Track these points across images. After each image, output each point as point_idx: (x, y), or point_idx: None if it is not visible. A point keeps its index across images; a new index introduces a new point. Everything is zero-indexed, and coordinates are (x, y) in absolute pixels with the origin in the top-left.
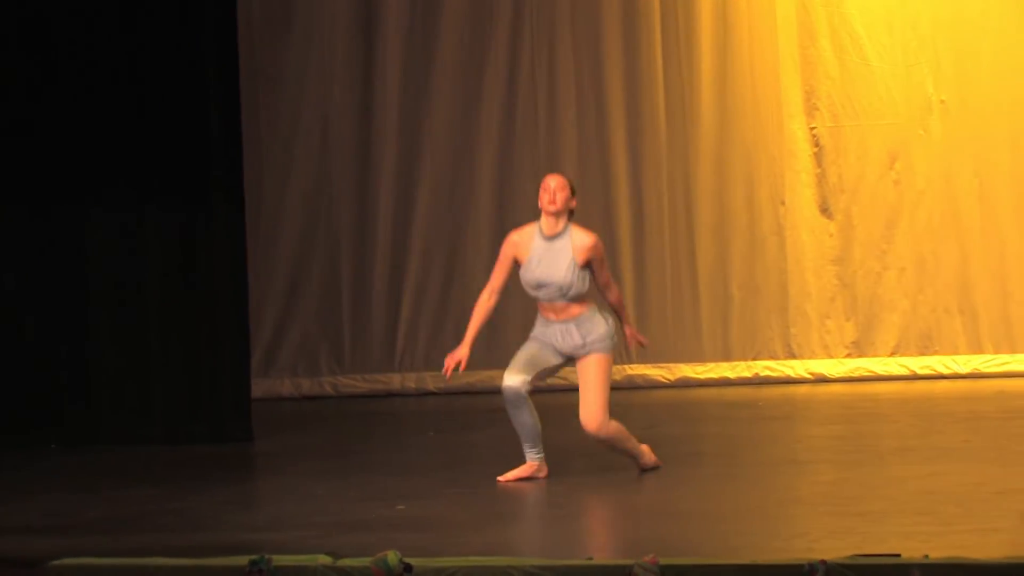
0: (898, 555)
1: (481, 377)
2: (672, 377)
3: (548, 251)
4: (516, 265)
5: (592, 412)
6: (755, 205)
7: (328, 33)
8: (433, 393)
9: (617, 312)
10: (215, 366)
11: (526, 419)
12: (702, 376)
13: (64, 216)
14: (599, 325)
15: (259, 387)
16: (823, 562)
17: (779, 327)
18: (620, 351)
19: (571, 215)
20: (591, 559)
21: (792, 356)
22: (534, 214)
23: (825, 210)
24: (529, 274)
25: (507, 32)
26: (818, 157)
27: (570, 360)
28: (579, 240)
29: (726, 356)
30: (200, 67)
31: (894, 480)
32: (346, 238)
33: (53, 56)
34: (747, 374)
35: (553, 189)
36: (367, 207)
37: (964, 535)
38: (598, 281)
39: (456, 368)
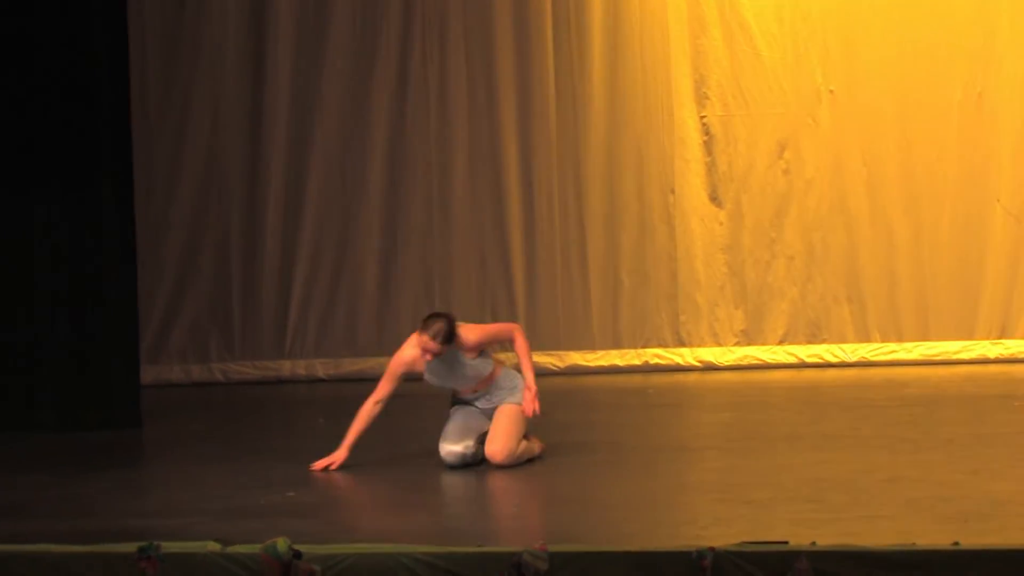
0: (786, 542)
1: (371, 364)
2: (562, 364)
3: (440, 363)
4: (407, 374)
5: (501, 445)
6: (645, 193)
7: (219, 18)
8: (323, 380)
9: (520, 362)
10: (104, 352)
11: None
12: (592, 363)
13: None
14: (515, 378)
15: (149, 373)
16: (711, 549)
17: (669, 315)
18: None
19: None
20: (481, 546)
21: (681, 344)
22: (425, 202)
23: (715, 198)
24: (431, 381)
25: (399, 20)
26: (708, 146)
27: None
28: (464, 342)
29: (616, 343)
30: (90, 52)
31: (783, 467)
32: (236, 224)
33: None
34: (637, 362)
35: (428, 351)
36: (257, 194)
37: (852, 522)
38: (493, 341)
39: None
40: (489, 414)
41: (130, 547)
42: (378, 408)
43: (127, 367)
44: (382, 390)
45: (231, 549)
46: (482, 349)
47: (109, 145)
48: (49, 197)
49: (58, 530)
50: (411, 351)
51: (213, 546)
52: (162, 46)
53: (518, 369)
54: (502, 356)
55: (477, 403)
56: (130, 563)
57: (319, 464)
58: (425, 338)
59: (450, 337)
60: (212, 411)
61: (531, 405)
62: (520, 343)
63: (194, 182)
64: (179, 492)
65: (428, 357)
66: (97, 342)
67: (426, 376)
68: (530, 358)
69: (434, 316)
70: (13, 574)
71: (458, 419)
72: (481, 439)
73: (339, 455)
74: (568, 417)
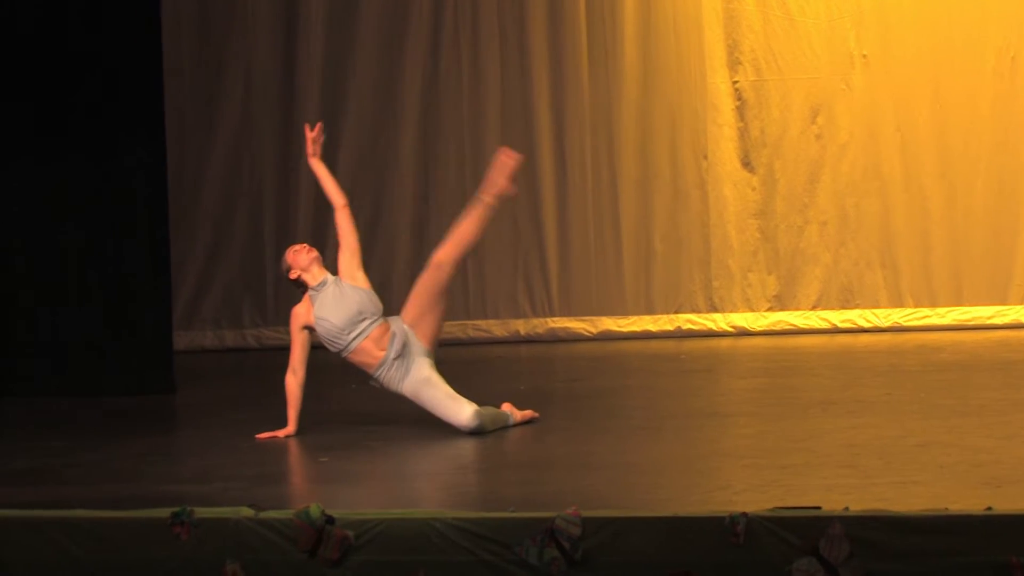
0: (819, 507)
1: None
2: (595, 330)
3: (330, 296)
4: (310, 330)
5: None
6: (678, 159)
7: None
8: None
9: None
10: (137, 318)
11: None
12: (625, 329)
13: None
14: (394, 322)
15: (182, 339)
16: (744, 514)
17: (701, 280)
18: (544, 305)
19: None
20: (514, 511)
21: (714, 309)
22: (457, 169)
23: (747, 164)
24: (324, 326)
25: None
26: (740, 111)
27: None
28: (341, 272)
29: (649, 309)
30: (122, 21)
31: (815, 433)
32: (269, 190)
33: None
34: (669, 327)
35: (305, 255)
36: (290, 159)
37: (885, 487)
38: (345, 236)
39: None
40: (408, 357)
41: (163, 513)
42: (297, 378)
43: (160, 333)
44: (293, 357)
45: (264, 515)
46: (359, 267)
47: (141, 110)
48: (80, 162)
49: (91, 496)
50: (301, 305)
51: (246, 512)
52: (195, 9)
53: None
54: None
55: (395, 371)
56: (163, 528)
57: (265, 435)
58: (295, 247)
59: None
60: (245, 377)
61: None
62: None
63: (226, 147)
64: (212, 458)
65: (300, 262)
66: (131, 308)
67: (317, 316)
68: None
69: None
70: (47, 540)
71: (434, 392)
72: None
73: (287, 430)
74: (601, 383)
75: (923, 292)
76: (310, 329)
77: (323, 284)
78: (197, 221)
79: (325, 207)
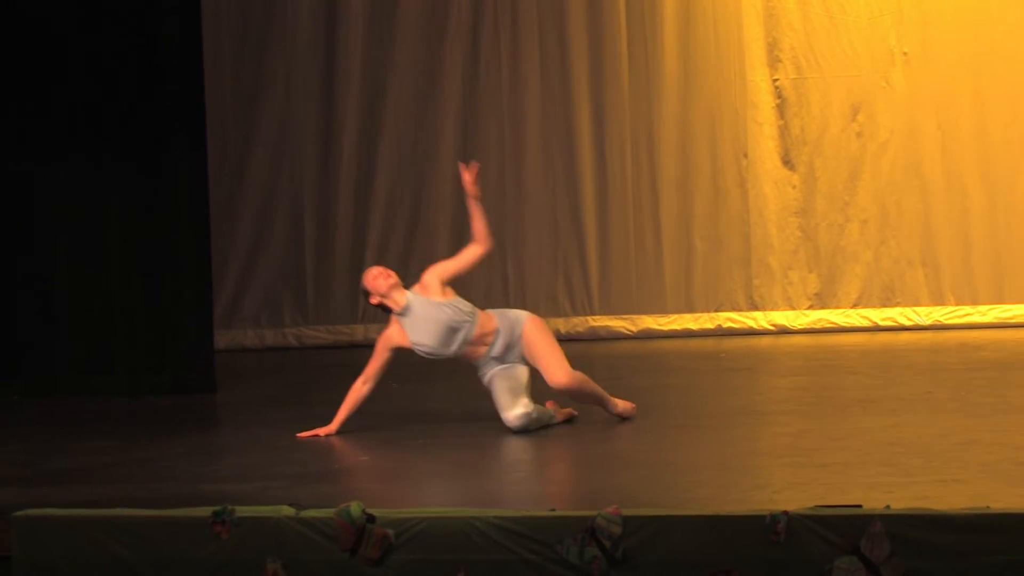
0: (860, 506)
1: None
2: (635, 329)
3: (419, 318)
4: (397, 351)
5: (556, 369)
6: (718, 157)
7: None
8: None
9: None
10: (178, 317)
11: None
12: (665, 328)
13: (25, 167)
14: (500, 317)
15: (222, 338)
16: (785, 513)
17: (742, 279)
18: (584, 303)
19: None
20: (554, 510)
21: (755, 308)
22: (497, 167)
23: (788, 162)
24: (421, 347)
25: None
26: (781, 109)
27: (520, 359)
28: (421, 286)
29: (689, 308)
30: (162, 21)
31: (856, 431)
32: (310, 189)
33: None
34: (710, 326)
35: (385, 280)
36: (330, 158)
37: (926, 486)
38: (460, 266)
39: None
40: (514, 362)
41: (204, 511)
42: (367, 388)
43: (201, 332)
44: (370, 368)
45: (305, 513)
46: (445, 282)
47: (183, 111)
48: (123, 163)
49: (133, 495)
50: (392, 328)
51: (287, 510)
52: (236, 11)
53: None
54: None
55: (498, 358)
56: (204, 527)
57: (306, 434)
58: (373, 271)
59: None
60: (286, 376)
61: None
62: (482, 230)
63: (267, 147)
64: (253, 457)
65: (379, 288)
66: (171, 307)
67: (413, 342)
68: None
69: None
70: (88, 539)
71: (501, 385)
72: (529, 391)
73: (328, 428)
74: (641, 381)
75: (964, 290)
76: (396, 351)
77: (408, 308)
78: (238, 221)
79: (364, 206)
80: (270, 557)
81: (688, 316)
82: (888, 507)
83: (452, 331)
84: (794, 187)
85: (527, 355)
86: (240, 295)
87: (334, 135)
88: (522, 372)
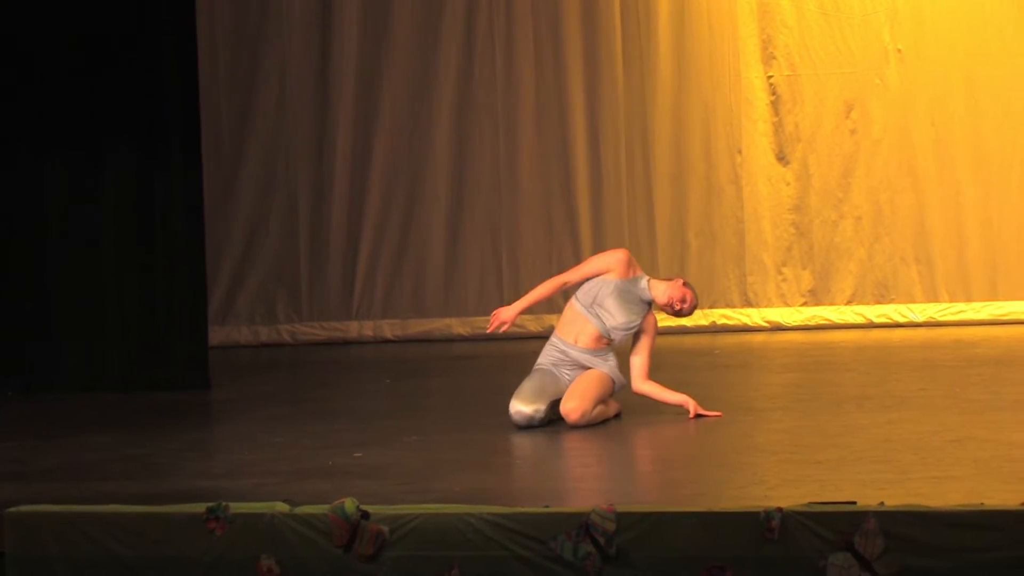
0: (854, 503)
1: (438, 325)
2: None
3: (630, 293)
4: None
5: (577, 404)
6: (712, 154)
7: None
8: (390, 341)
9: (659, 399)
10: (172, 313)
11: None
12: (659, 324)
13: (20, 164)
14: (615, 362)
15: (216, 335)
16: (779, 509)
17: (736, 276)
18: None
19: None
20: (548, 507)
21: (749, 304)
22: (491, 162)
23: (782, 159)
24: (580, 300)
25: None
26: (775, 106)
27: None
28: (657, 297)
29: None
30: (157, 14)
31: (851, 428)
32: (304, 185)
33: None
34: (704, 322)
35: (678, 299)
36: (324, 154)
37: (920, 483)
38: (636, 353)
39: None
40: (573, 373)
41: (198, 508)
42: (559, 283)
43: (195, 328)
44: (579, 272)
45: (299, 510)
46: (647, 320)
47: (176, 106)
48: (115, 159)
49: (126, 491)
50: (626, 263)
51: (281, 507)
52: (230, 5)
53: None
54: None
55: (570, 352)
56: (198, 524)
57: (493, 322)
58: (688, 291)
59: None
60: (279, 372)
61: (699, 410)
62: (647, 388)
63: (261, 143)
64: (247, 453)
65: (676, 305)
66: (165, 303)
67: (586, 289)
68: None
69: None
70: (82, 535)
71: (535, 380)
72: (554, 404)
73: (510, 310)
74: None
75: (958, 287)
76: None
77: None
78: (232, 216)
79: (359, 202)
80: (264, 553)
81: None
82: (882, 504)
83: (611, 314)
84: (788, 184)
85: (577, 377)
86: (234, 291)
87: (329, 130)
88: (560, 388)
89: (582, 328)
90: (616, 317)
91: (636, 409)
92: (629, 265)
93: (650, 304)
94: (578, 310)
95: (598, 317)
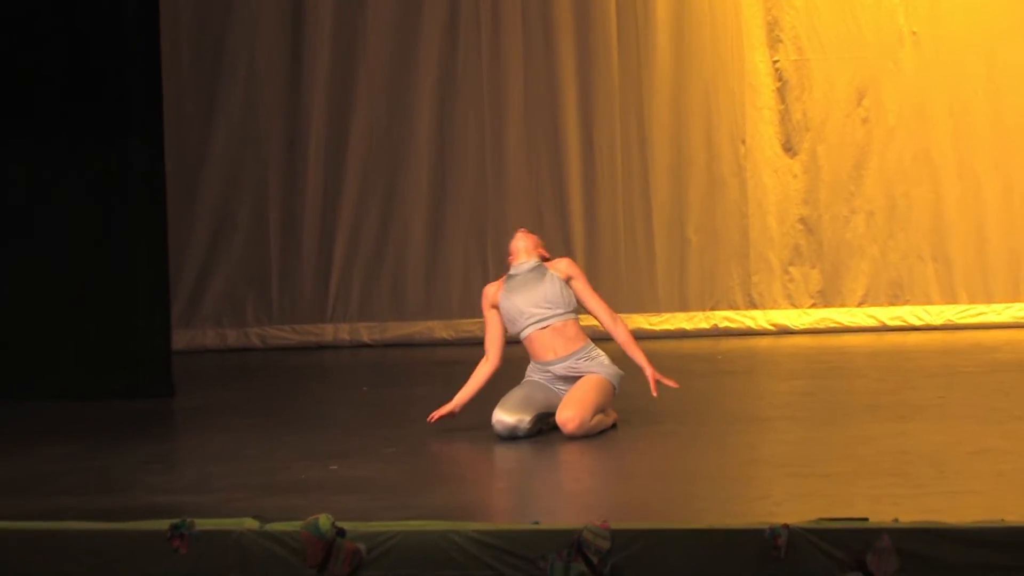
0: (866, 519)
1: (419, 328)
2: None
3: (522, 280)
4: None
5: (574, 413)
6: (714, 144)
7: None
8: (368, 345)
9: (626, 351)
10: (133, 316)
11: None
12: (657, 327)
13: None
14: (605, 357)
15: (181, 338)
16: (786, 526)
17: (739, 275)
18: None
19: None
20: (537, 523)
21: (753, 306)
22: (477, 154)
23: (789, 149)
24: (509, 303)
25: None
26: (781, 93)
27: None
28: (554, 264)
29: (683, 306)
30: (117, 5)
31: (863, 439)
32: (274, 179)
33: None
34: (705, 325)
35: (518, 241)
36: (296, 146)
37: (937, 497)
38: (589, 305)
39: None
40: (566, 386)
41: (161, 524)
42: (487, 367)
43: (158, 332)
44: (487, 341)
45: (270, 527)
46: (569, 281)
47: (138, 95)
48: (73, 149)
49: (84, 507)
50: (492, 284)
51: (250, 523)
52: None
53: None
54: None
55: (555, 369)
56: (162, 541)
57: (434, 415)
58: (521, 232)
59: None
60: (249, 379)
61: (659, 378)
62: (623, 330)
63: (229, 134)
64: (213, 466)
65: (514, 253)
66: (125, 304)
67: (501, 301)
68: (637, 345)
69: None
70: (39, 553)
71: (523, 389)
72: (541, 416)
73: (448, 406)
74: (631, 385)
75: (978, 287)
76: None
77: (524, 269)
78: (197, 212)
79: (334, 195)
80: (232, 574)
81: (682, 315)
82: (896, 520)
83: (539, 300)
84: (795, 176)
85: (575, 384)
86: (200, 292)
87: (301, 118)
88: (551, 398)
89: (545, 341)
90: (537, 301)
91: (633, 419)
92: (495, 287)
93: (538, 263)
94: (528, 333)
95: (536, 319)
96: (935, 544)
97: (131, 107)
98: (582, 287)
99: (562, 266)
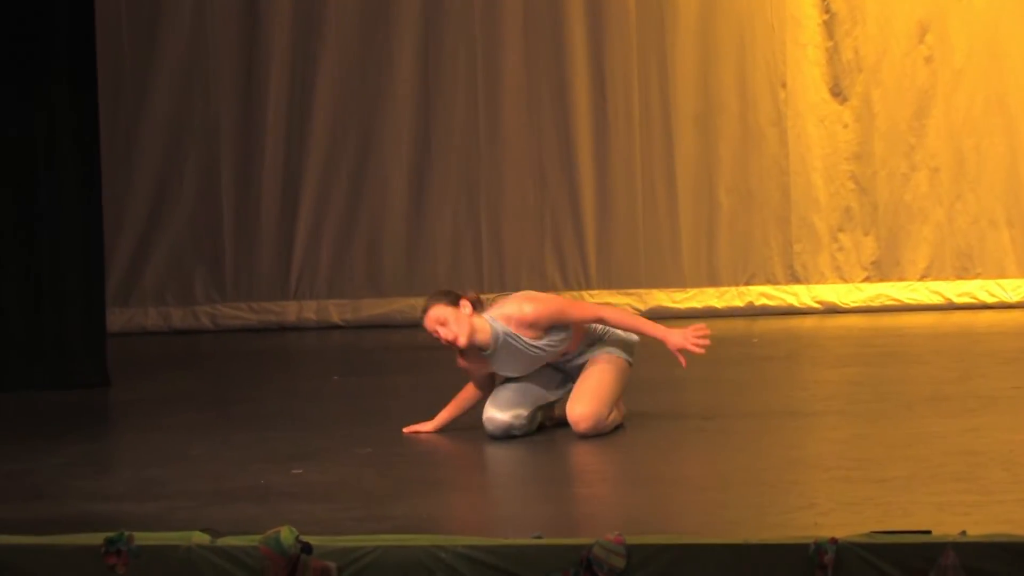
0: (928, 532)
1: (398, 307)
2: (644, 307)
3: (500, 356)
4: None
5: (589, 409)
6: (749, 88)
7: None
8: (338, 326)
9: (636, 331)
10: (61, 292)
11: None
12: (682, 305)
13: None
14: (607, 333)
15: (117, 318)
16: (834, 540)
17: (779, 244)
18: (579, 275)
19: (478, 308)
20: (540, 537)
21: (796, 280)
22: (467, 100)
23: (838, 94)
24: (506, 374)
25: None
26: (829, 27)
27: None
28: (516, 321)
29: (712, 280)
30: None
31: (924, 437)
32: (227, 132)
33: None
34: (739, 303)
35: (438, 332)
36: (254, 92)
37: (1012, 506)
38: (579, 325)
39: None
40: (573, 375)
41: (95, 539)
42: (475, 394)
43: (90, 310)
44: (473, 381)
45: (222, 541)
46: (552, 325)
47: (65, 36)
48: None
49: (4, 517)
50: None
51: (200, 537)
52: None
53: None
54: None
55: (565, 368)
56: (95, 559)
57: (410, 429)
58: (429, 319)
59: (456, 302)
60: (198, 366)
61: (687, 344)
62: (619, 317)
63: (174, 80)
64: (156, 469)
65: (459, 359)
66: (51, 278)
67: (496, 370)
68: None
69: (437, 296)
70: None
71: (518, 381)
72: (539, 409)
73: (429, 425)
74: (651, 374)
75: None
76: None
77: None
78: (136, 170)
79: (298, 150)
80: None
81: (711, 291)
82: (964, 533)
83: (539, 362)
84: (846, 126)
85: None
86: (139, 264)
87: (258, 61)
88: (550, 385)
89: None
90: (531, 365)
91: (652, 415)
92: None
93: (499, 338)
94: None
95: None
96: (1009, 561)
97: (57, 49)
98: (557, 317)
99: (528, 322)
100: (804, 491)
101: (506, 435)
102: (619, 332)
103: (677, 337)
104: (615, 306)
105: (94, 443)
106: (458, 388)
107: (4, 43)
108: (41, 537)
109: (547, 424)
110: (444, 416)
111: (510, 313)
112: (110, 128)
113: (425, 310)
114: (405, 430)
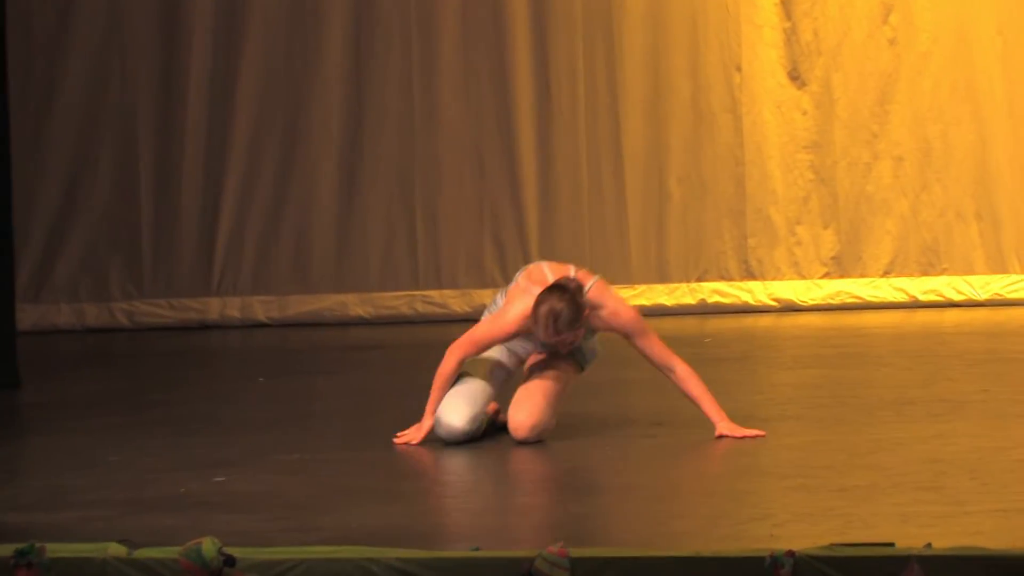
0: (892, 544)
1: (328, 304)
2: None
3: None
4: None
5: (529, 417)
6: (701, 72)
7: None
8: (264, 324)
9: (695, 403)
10: None
11: None
12: (629, 303)
13: None
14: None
15: (28, 315)
16: (791, 553)
17: (733, 238)
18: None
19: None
20: (478, 549)
21: (751, 276)
22: (401, 82)
23: (796, 78)
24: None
25: None
26: (786, 6)
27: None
28: (600, 317)
29: (662, 276)
30: None
31: (887, 444)
32: (145, 116)
33: None
34: (690, 300)
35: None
36: (173, 74)
37: (979, 517)
38: (651, 356)
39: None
40: (522, 359)
41: (4, 550)
42: (457, 368)
43: None
44: (471, 352)
45: (139, 553)
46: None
47: None
48: None
49: None
50: (522, 319)
51: (115, 549)
52: None
53: None
54: None
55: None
56: (5, 571)
57: (400, 439)
58: (550, 331)
59: (579, 317)
60: (114, 366)
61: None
62: (688, 380)
63: (87, 56)
64: (69, 476)
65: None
66: None
67: (511, 345)
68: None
69: (556, 292)
70: None
71: (468, 379)
72: (496, 389)
73: (424, 425)
74: (597, 376)
75: None
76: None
77: None
78: (48, 155)
79: (221, 137)
80: None
81: (661, 288)
82: (929, 545)
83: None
84: (804, 113)
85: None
86: (51, 257)
87: (179, 37)
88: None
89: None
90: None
91: (598, 420)
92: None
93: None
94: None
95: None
96: (976, 575)
97: None
98: (637, 338)
99: (609, 321)
100: (759, 501)
101: (465, 439)
102: (595, 339)
103: (728, 430)
104: (686, 363)
105: (3, 448)
106: (388, 391)
107: None
108: None
109: (497, 421)
110: (435, 406)
111: (601, 304)
112: (19, 110)
113: (556, 324)
114: (396, 441)
